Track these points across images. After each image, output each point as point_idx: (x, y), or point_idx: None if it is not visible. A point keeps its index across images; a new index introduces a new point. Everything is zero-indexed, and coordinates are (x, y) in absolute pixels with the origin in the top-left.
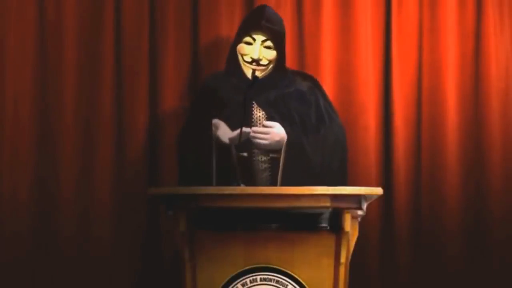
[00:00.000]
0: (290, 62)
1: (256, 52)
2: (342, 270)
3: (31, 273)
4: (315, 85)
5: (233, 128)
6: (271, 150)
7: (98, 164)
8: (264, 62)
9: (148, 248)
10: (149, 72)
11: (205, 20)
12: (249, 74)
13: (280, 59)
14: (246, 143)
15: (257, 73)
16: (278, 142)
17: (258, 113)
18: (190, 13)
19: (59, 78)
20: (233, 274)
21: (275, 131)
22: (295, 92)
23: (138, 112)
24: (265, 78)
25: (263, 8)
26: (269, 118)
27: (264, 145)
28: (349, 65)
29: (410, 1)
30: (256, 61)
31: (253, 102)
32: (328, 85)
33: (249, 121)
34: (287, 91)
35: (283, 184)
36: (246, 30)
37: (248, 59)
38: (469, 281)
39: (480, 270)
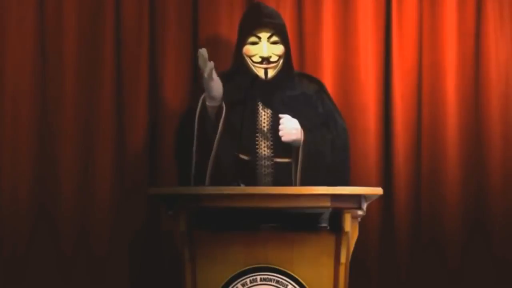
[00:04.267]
0: None
1: (265, 49)
2: (342, 270)
3: (31, 272)
4: (321, 89)
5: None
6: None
7: (98, 164)
8: (274, 58)
9: (148, 248)
10: (149, 72)
11: (205, 20)
12: (261, 74)
13: (288, 54)
14: (250, 146)
15: (270, 71)
16: (296, 135)
17: (264, 114)
18: (190, 13)
19: (59, 78)
20: (233, 274)
21: (288, 125)
22: (301, 96)
23: (138, 111)
24: (273, 79)
25: (258, 5)
26: (275, 118)
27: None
28: (349, 66)
29: (410, 1)
30: (266, 60)
31: (259, 102)
32: (328, 86)
33: (255, 122)
34: (293, 93)
35: (302, 183)
36: (248, 30)
37: (257, 59)
38: (469, 281)
39: (480, 270)
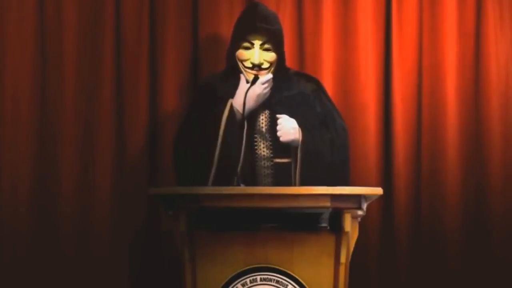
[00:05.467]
0: (290, 62)
1: (256, 57)
2: (342, 270)
3: (30, 273)
4: (319, 88)
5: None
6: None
7: (98, 163)
8: (265, 65)
9: (148, 248)
10: (149, 72)
11: (205, 20)
12: (251, 79)
13: (280, 60)
14: (250, 148)
15: (260, 77)
16: (294, 135)
17: (262, 114)
18: (190, 13)
19: (59, 78)
20: (233, 274)
21: (286, 125)
22: (299, 95)
23: (138, 111)
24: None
25: (255, 6)
26: (273, 119)
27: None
28: (349, 66)
29: (410, 1)
30: (257, 66)
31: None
32: (328, 86)
33: (254, 122)
34: (291, 93)
35: (301, 183)
36: (242, 34)
37: (248, 64)
38: (469, 282)
39: (480, 270)
